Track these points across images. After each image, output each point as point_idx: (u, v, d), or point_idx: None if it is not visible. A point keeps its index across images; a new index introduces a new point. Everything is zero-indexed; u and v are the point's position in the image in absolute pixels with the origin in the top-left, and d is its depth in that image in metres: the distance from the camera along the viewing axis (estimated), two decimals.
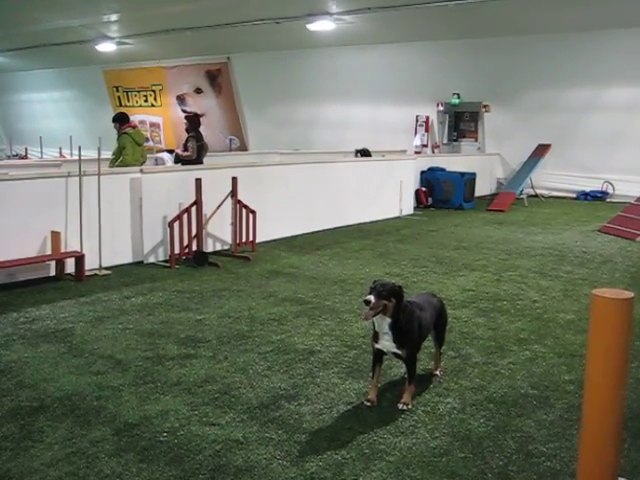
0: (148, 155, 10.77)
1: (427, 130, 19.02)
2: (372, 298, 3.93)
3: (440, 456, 3.54)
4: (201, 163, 11.09)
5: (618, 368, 2.69)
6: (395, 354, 4.19)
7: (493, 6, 14.64)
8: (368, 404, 4.16)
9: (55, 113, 29.34)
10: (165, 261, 8.37)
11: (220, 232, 9.08)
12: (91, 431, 3.76)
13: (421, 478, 3.33)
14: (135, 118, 18.99)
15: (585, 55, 16.06)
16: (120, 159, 9.64)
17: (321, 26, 17.56)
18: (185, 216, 8.34)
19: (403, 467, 3.42)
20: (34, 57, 25.66)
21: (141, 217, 8.32)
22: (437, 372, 4.69)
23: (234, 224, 8.88)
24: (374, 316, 4.02)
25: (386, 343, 4.13)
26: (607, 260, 8.90)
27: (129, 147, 9.66)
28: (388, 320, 4.05)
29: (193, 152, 10.90)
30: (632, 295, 2.67)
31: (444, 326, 4.73)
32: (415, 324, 4.16)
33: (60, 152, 20.21)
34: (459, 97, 18.42)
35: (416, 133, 19.01)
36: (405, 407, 4.10)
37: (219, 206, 8.67)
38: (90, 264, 7.61)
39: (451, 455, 3.55)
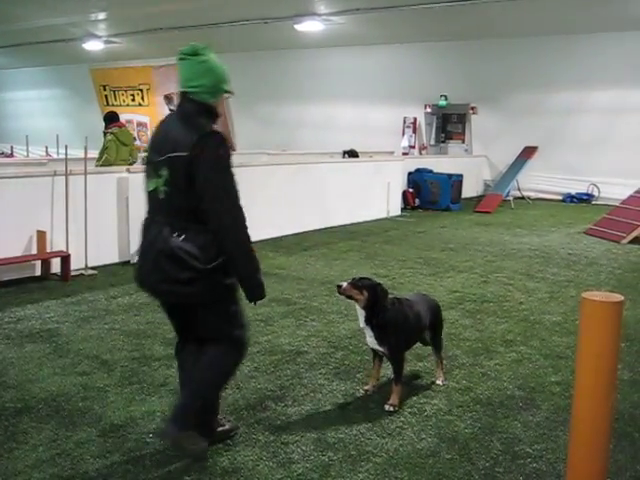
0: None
1: (415, 131, 19.07)
2: (344, 284, 4.07)
3: (427, 457, 3.54)
4: None
5: (608, 371, 2.70)
6: (377, 350, 4.22)
7: (481, 9, 14.72)
8: (362, 392, 4.33)
9: (41, 111, 29.13)
10: None
11: None
12: (76, 432, 3.73)
13: (408, 479, 3.33)
14: (122, 117, 18.88)
15: (571, 58, 16.19)
16: (103, 158, 9.59)
17: (309, 27, 17.57)
18: None
19: (390, 468, 3.42)
20: (20, 55, 25.47)
21: (128, 217, 8.26)
22: (439, 381, 4.55)
23: None
24: (342, 295, 4.11)
25: (369, 339, 4.18)
26: (593, 262, 8.96)
27: (112, 147, 9.59)
28: (363, 313, 4.10)
29: None
30: (622, 298, 2.68)
31: (440, 327, 4.62)
32: (400, 322, 4.14)
33: (46, 151, 20.05)
34: (447, 99, 18.49)
35: (404, 134, 19.06)
36: (392, 409, 4.10)
37: None
38: (76, 264, 7.56)
39: (438, 456, 3.56)
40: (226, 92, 3.32)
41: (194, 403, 3.35)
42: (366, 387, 4.40)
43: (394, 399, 4.14)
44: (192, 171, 3.06)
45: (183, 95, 3.25)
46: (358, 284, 4.06)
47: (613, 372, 2.74)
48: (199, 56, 3.21)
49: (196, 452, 3.36)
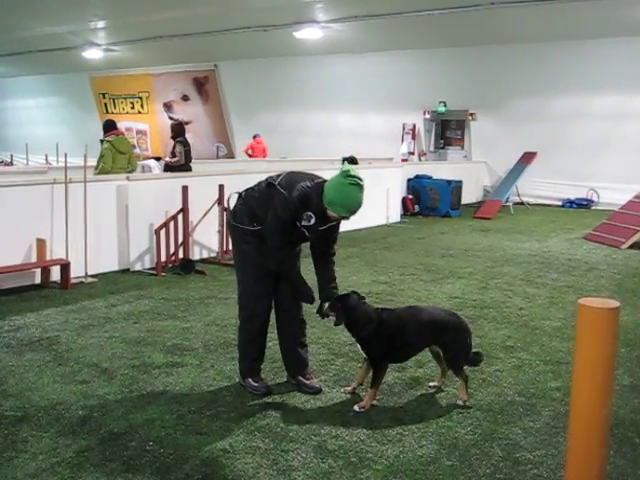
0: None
1: (414, 138, 19.10)
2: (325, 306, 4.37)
3: (427, 464, 3.53)
4: (190, 169, 11.06)
5: (605, 377, 2.70)
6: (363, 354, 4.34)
7: (479, 15, 14.76)
8: (342, 391, 4.45)
9: (41, 120, 29.21)
10: (151, 269, 8.33)
11: (207, 240, 9.05)
12: (76, 441, 3.72)
13: None
14: (122, 125, 18.92)
15: (571, 64, 16.23)
16: (100, 167, 9.60)
17: (308, 34, 17.63)
18: (172, 223, 8.31)
19: (390, 476, 3.41)
20: (20, 63, 25.56)
21: (127, 225, 8.28)
22: (459, 401, 4.34)
23: (221, 232, 8.86)
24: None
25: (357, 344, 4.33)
26: (593, 268, 8.96)
27: (108, 155, 9.59)
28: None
29: (181, 157, 10.86)
30: (618, 305, 2.68)
31: (453, 345, 4.33)
32: (384, 333, 4.18)
33: (46, 159, 20.09)
34: (446, 105, 18.53)
35: (403, 141, 19.08)
36: (357, 408, 4.17)
37: (206, 213, 8.64)
38: (76, 272, 7.56)
39: (438, 463, 3.55)
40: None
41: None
42: (347, 388, 4.46)
43: (366, 401, 4.20)
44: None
45: None
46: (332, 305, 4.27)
47: (610, 378, 2.74)
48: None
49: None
